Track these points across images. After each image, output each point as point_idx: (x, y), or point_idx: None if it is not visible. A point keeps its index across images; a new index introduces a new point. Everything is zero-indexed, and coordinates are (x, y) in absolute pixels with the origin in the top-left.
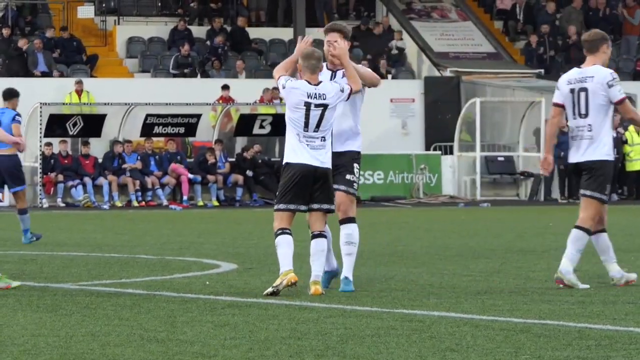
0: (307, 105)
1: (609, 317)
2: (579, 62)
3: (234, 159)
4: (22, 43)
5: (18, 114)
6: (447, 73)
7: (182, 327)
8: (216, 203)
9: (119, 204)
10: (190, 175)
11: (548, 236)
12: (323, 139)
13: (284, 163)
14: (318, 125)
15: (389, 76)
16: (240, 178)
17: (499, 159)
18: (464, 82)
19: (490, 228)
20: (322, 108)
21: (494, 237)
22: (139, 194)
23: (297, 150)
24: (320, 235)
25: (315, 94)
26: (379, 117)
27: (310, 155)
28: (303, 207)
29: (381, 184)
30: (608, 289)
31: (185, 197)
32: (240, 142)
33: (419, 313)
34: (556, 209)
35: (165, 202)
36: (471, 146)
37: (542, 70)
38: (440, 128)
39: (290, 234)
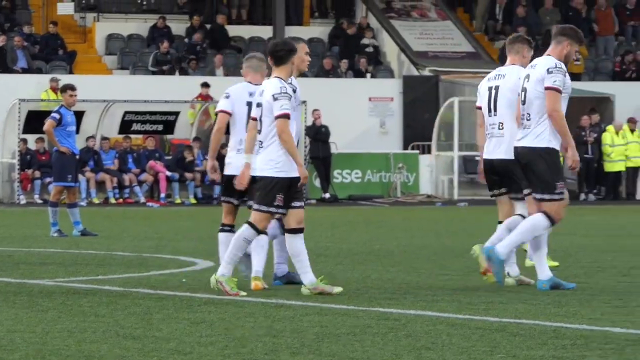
0: (249, 104)
1: (585, 316)
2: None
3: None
4: (1, 39)
5: None
6: (426, 72)
7: (158, 324)
8: (194, 201)
9: (96, 200)
10: (168, 173)
11: None
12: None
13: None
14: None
15: (368, 75)
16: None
17: (477, 158)
18: (442, 82)
19: (467, 227)
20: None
21: (470, 236)
22: (117, 191)
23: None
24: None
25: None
26: (358, 116)
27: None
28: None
29: (359, 183)
30: (584, 288)
31: (162, 195)
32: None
33: (395, 311)
34: None
35: (142, 200)
36: (449, 145)
37: None
38: (418, 127)
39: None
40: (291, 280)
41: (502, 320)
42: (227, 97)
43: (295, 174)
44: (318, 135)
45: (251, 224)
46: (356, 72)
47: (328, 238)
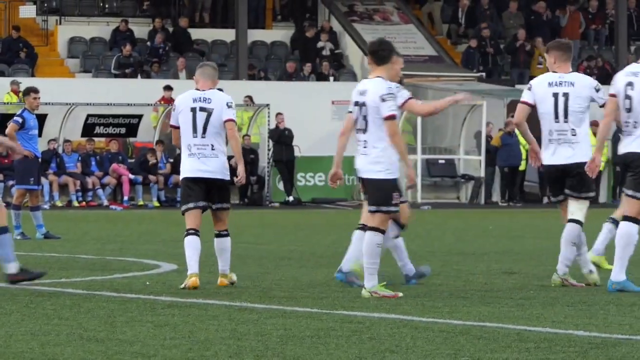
0: (193, 110)
1: (548, 319)
2: (524, 65)
3: (174, 160)
4: None
5: None
6: None
7: (121, 327)
8: (157, 204)
9: (59, 203)
10: (131, 176)
11: (488, 239)
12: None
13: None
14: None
15: (331, 78)
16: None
17: (440, 161)
18: (405, 85)
19: (431, 231)
20: (206, 113)
21: (434, 239)
22: (80, 194)
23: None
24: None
25: (201, 98)
26: (321, 119)
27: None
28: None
29: (322, 186)
30: (548, 291)
31: (126, 198)
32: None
33: (359, 314)
34: (496, 212)
35: (105, 203)
36: (412, 149)
37: (484, 74)
38: None
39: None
40: (421, 274)
41: (465, 324)
42: (174, 109)
43: (396, 176)
44: (281, 138)
45: (376, 228)
46: (319, 76)
47: (292, 241)
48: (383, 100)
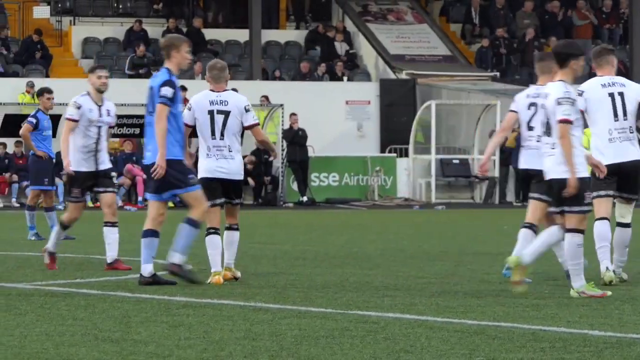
0: (210, 112)
1: (563, 319)
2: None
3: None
4: None
5: None
6: (403, 75)
7: (136, 327)
8: (171, 204)
9: None
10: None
11: (502, 239)
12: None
13: None
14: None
15: (345, 78)
16: None
17: (454, 161)
18: (419, 85)
19: (445, 231)
20: (224, 115)
21: (448, 239)
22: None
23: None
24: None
25: (218, 100)
26: (335, 119)
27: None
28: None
29: (336, 186)
30: (562, 291)
31: (140, 198)
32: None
33: (374, 314)
34: (511, 212)
35: (120, 203)
36: (426, 149)
37: (498, 74)
38: (395, 130)
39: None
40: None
41: (480, 324)
42: (190, 109)
43: (586, 174)
44: (295, 138)
45: (574, 230)
46: (333, 76)
47: (306, 241)
48: (558, 103)
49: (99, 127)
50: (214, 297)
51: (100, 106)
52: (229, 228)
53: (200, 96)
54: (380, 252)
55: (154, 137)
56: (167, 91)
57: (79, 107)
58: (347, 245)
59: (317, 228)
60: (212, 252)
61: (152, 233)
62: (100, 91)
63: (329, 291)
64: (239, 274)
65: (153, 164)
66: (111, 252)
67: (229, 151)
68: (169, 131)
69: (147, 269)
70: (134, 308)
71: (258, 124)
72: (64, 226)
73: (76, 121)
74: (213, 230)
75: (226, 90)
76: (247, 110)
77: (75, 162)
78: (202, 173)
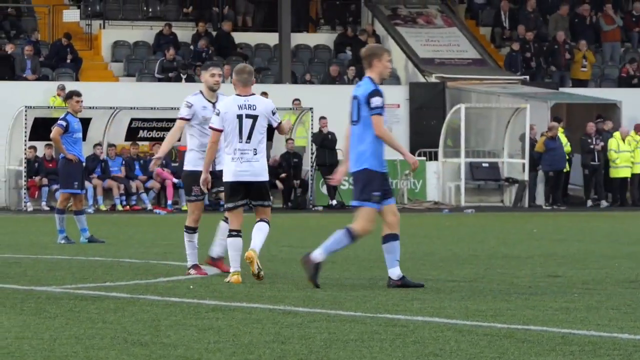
0: (239, 117)
1: (593, 322)
2: (566, 67)
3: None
4: (9, 47)
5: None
6: (432, 79)
7: (165, 331)
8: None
9: (103, 207)
10: (175, 180)
11: (532, 242)
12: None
13: None
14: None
15: None
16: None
17: (484, 165)
18: (449, 88)
19: (475, 234)
20: (252, 119)
21: (478, 243)
22: (124, 198)
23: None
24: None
25: (246, 105)
26: None
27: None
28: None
29: None
30: (592, 295)
31: (169, 202)
32: None
33: (403, 318)
34: (540, 215)
35: (149, 207)
36: (456, 152)
37: (527, 77)
38: (425, 134)
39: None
40: None
41: (510, 327)
42: (218, 114)
43: None
44: (325, 142)
45: None
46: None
47: None
48: None
49: None
50: (243, 301)
51: (214, 104)
52: (260, 220)
53: (228, 101)
54: (410, 256)
55: (356, 146)
56: (377, 101)
57: (190, 106)
58: (376, 248)
59: None
60: (233, 253)
61: (392, 237)
62: (213, 89)
63: (358, 294)
64: (262, 272)
65: (356, 172)
66: (218, 248)
67: (254, 154)
68: (373, 141)
69: (395, 273)
70: (163, 311)
71: (281, 122)
72: (192, 228)
73: (187, 120)
74: (235, 233)
75: (253, 94)
76: (273, 113)
77: (192, 161)
78: (227, 176)
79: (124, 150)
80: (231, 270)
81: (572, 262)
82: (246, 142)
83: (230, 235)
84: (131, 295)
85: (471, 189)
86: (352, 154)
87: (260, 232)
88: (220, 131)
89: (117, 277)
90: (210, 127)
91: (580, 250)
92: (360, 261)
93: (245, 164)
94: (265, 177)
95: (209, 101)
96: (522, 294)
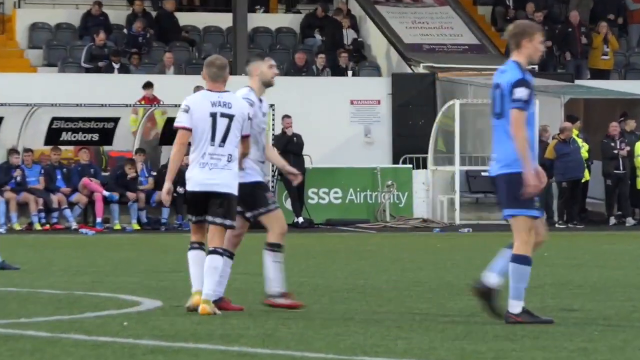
0: (213, 115)
1: None
2: (583, 55)
3: (158, 173)
4: None
5: None
6: (420, 69)
7: None
8: (137, 226)
9: (17, 226)
10: (106, 193)
11: (542, 268)
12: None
13: None
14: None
15: (349, 72)
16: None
17: (483, 174)
18: (440, 81)
19: (472, 258)
20: (227, 119)
21: (475, 269)
22: (43, 214)
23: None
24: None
25: (220, 102)
26: (337, 123)
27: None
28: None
29: (339, 205)
30: (616, 332)
31: (99, 219)
32: (167, 152)
33: None
34: (553, 235)
35: (74, 225)
36: (449, 159)
37: (536, 67)
38: (411, 136)
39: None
40: None
41: None
42: (186, 110)
43: None
44: (289, 146)
45: None
46: (334, 70)
47: (302, 271)
48: None
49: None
50: (188, 340)
51: (261, 101)
52: (212, 252)
53: (198, 96)
54: (393, 285)
55: (502, 143)
56: (522, 93)
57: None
58: (353, 276)
59: (316, 255)
60: (194, 270)
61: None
62: (271, 84)
63: (330, 332)
64: (218, 311)
65: (500, 175)
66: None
67: (228, 161)
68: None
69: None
70: (92, 354)
71: (250, 135)
72: (277, 245)
73: (189, 129)
74: (197, 245)
75: (227, 91)
76: (249, 119)
77: (251, 171)
78: (190, 186)
79: (43, 157)
80: (192, 289)
81: (591, 292)
82: (219, 146)
83: (191, 248)
84: (52, 334)
85: (467, 203)
86: (497, 154)
87: (214, 273)
88: (190, 130)
89: (35, 312)
90: (176, 127)
91: (602, 278)
92: (332, 292)
93: (215, 171)
94: (232, 189)
95: (259, 100)
96: (531, 331)
